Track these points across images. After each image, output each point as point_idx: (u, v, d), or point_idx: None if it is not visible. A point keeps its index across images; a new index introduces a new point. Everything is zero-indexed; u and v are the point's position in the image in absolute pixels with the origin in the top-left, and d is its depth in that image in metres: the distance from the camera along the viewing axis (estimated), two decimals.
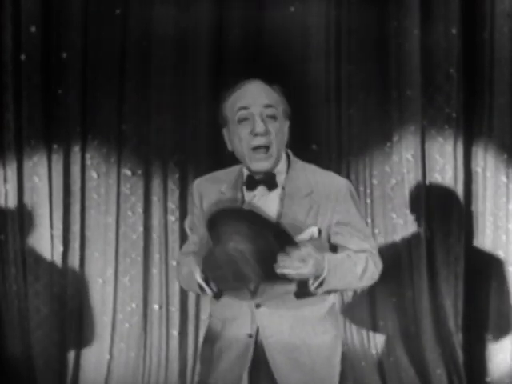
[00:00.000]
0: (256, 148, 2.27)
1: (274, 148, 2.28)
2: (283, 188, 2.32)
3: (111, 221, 4.00)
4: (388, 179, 4.06)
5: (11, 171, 3.94)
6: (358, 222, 2.35)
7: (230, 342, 2.32)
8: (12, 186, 3.96)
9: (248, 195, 2.34)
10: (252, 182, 2.33)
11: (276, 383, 2.30)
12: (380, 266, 2.34)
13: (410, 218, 4.06)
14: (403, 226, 4.06)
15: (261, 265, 2.13)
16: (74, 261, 4.01)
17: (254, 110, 2.27)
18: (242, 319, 2.31)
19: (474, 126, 4.05)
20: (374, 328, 4.07)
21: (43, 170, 3.98)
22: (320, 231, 2.30)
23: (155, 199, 4.02)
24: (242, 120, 2.28)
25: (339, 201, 2.31)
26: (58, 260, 4.01)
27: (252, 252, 2.13)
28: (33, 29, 3.92)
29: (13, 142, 3.94)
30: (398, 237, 4.07)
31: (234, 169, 2.42)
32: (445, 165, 4.05)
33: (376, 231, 4.05)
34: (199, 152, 3.99)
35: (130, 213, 4.02)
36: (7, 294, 3.97)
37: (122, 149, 4.00)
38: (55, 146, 4.00)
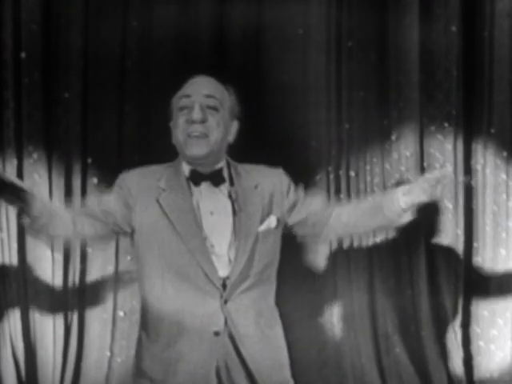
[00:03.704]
0: (191, 135, 2.26)
1: (213, 138, 2.28)
2: (232, 184, 2.33)
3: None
4: (388, 177, 4.06)
5: (11, 168, 3.93)
6: (299, 195, 2.46)
7: (191, 344, 2.28)
8: None
9: (193, 191, 2.32)
10: (196, 177, 2.31)
11: (250, 377, 2.32)
12: None
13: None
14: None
15: None
16: (75, 258, 4.00)
17: (195, 99, 2.28)
18: (207, 317, 2.28)
19: (473, 123, 4.05)
20: (374, 326, 4.07)
21: (43, 167, 3.98)
22: (278, 220, 2.35)
23: None
24: (182, 108, 2.30)
25: (285, 187, 2.40)
26: (59, 258, 4.01)
27: None
28: (33, 27, 3.92)
29: (13, 139, 3.94)
30: (397, 234, 4.07)
31: (168, 165, 2.40)
32: (445, 162, 4.05)
33: None
34: None
35: None
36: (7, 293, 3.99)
37: (123, 147, 4.00)
38: (55, 144, 4.00)
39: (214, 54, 3.96)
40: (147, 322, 2.38)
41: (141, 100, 3.97)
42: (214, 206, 2.31)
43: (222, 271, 2.30)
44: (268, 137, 3.88)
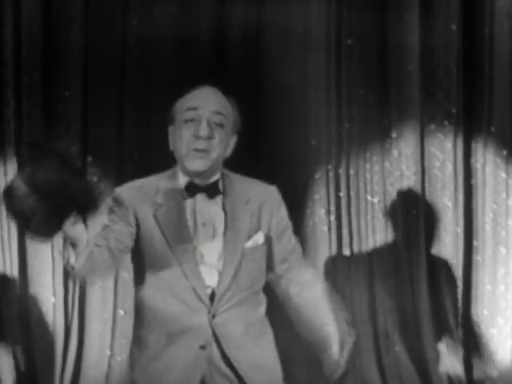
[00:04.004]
0: (196, 150, 2.25)
1: (215, 154, 2.26)
2: (225, 196, 2.33)
3: None
4: (388, 175, 4.06)
5: (12, 167, 3.94)
6: (289, 225, 2.45)
7: (177, 356, 2.30)
8: None
9: (188, 202, 2.32)
10: (192, 189, 2.31)
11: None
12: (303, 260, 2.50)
13: (410, 213, 4.07)
14: (403, 221, 4.07)
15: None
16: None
17: (202, 113, 2.25)
18: (194, 331, 2.29)
19: (473, 121, 4.05)
20: (374, 325, 4.07)
21: None
22: (266, 237, 2.37)
23: None
24: (188, 120, 2.26)
25: (275, 205, 2.39)
26: (59, 253, 4.02)
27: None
28: (33, 26, 3.93)
29: (13, 138, 3.94)
30: (397, 234, 4.08)
31: (163, 175, 2.38)
32: (444, 161, 4.06)
33: (376, 227, 4.07)
34: None
35: None
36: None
37: (122, 144, 4.00)
38: (56, 143, 4.00)
39: (214, 52, 3.97)
40: (139, 333, 2.40)
41: (141, 98, 3.98)
42: (207, 218, 2.31)
43: (210, 281, 2.32)
44: (268, 135, 3.88)
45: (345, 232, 4.02)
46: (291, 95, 3.95)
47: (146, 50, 3.96)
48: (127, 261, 2.35)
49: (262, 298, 2.45)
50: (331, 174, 4.03)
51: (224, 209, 2.32)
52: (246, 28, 3.96)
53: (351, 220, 4.04)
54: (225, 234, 2.31)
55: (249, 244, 2.33)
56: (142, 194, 2.33)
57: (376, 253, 4.05)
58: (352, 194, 4.05)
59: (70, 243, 2.13)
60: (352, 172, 4.05)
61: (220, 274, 2.31)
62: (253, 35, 3.97)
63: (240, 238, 2.31)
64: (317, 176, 3.98)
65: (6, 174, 3.96)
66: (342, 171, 4.04)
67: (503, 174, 4.04)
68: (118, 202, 2.30)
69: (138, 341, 2.39)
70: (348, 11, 3.99)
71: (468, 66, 4.04)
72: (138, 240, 2.32)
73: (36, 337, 3.99)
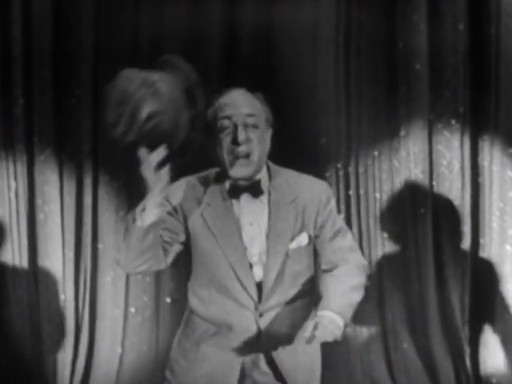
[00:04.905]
0: (237, 156, 2.30)
1: (256, 156, 2.31)
2: (269, 195, 2.36)
3: (123, 213, 4.00)
4: (396, 173, 4.08)
5: (21, 166, 3.95)
6: (338, 221, 2.45)
7: (220, 349, 2.38)
8: (22, 181, 3.97)
9: (234, 202, 2.37)
10: (236, 190, 2.36)
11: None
12: (363, 261, 2.46)
13: (418, 212, 4.09)
14: (411, 220, 4.09)
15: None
16: (86, 253, 4.02)
17: (236, 120, 2.30)
18: (241, 327, 2.36)
19: (480, 120, 4.07)
20: (383, 322, 4.09)
21: (54, 164, 3.99)
22: (310, 237, 2.40)
23: None
24: (224, 128, 2.31)
25: (322, 204, 2.40)
26: (70, 254, 4.03)
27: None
28: (44, 23, 3.92)
29: (23, 137, 3.95)
30: (405, 231, 4.10)
31: (211, 172, 2.43)
32: (452, 159, 4.08)
33: (385, 225, 4.08)
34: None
35: None
36: (17, 287, 3.98)
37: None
38: (66, 141, 4.01)
39: (224, 51, 3.98)
40: (190, 317, 2.47)
41: None
42: (253, 217, 2.36)
43: (258, 279, 2.38)
44: (278, 134, 3.88)
45: (354, 230, 4.03)
46: (301, 94, 3.97)
47: (157, 48, 3.95)
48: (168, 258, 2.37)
49: (312, 300, 2.48)
50: (341, 173, 4.06)
51: (269, 208, 2.36)
52: (256, 27, 3.97)
53: (360, 218, 4.07)
54: (268, 234, 2.35)
55: (292, 245, 2.37)
56: (192, 193, 2.39)
57: (384, 251, 4.08)
58: (361, 192, 4.07)
59: (142, 209, 2.16)
60: (361, 170, 4.07)
61: (264, 273, 2.36)
62: (263, 34, 3.97)
63: (283, 239, 2.35)
64: (327, 174, 4.00)
65: (16, 173, 3.97)
66: (351, 170, 4.06)
67: (510, 173, 4.06)
68: (168, 201, 2.35)
69: (187, 324, 2.47)
70: (357, 11, 4.00)
71: (475, 66, 4.05)
72: (186, 237, 2.39)
73: (46, 334, 3.99)
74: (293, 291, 2.39)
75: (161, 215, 2.21)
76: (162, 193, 2.17)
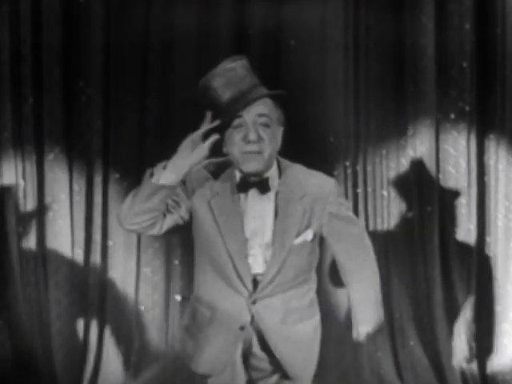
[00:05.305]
0: (248, 153, 2.33)
1: (267, 153, 2.34)
2: (277, 192, 2.40)
3: None
4: (404, 172, 4.11)
5: (30, 164, 3.96)
6: (346, 209, 2.51)
7: (219, 332, 2.45)
8: (31, 179, 3.98)
9: (242, 195, 2.41)
10: (245, 185, 2.40)
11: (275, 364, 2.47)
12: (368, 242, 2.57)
13: (425, 210, 4.11)
14: (418, 218, 4.11)
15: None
16: (96, 252, 4.03)
17: (248, 118, 2.32)
18: (236, 312, 2.43)
19: (486, 119, 4.10)
20: (390, 320, 4.10)
21: (64, 162, 4.00)
22: (315, 234, 2.44)
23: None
24: (236, 126, 2.34)
25: (328, 202, 2.44)
26: (80, 251, 4.04)
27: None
28: (53, 21, 3.93)
29: (32, 136, 3.95)
30: (412, 229, 4.12)
31: (224, 162, 2.47)
32: (458, 158, 4.11)
33: (392, 223, 4.12)
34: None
35: None
36: (26, 285, 3.99)
37: (145, 141, 4.02)
38: (77, 139, 4.02)
39: (235, 50, 3.96)
40: (194, 304, 2.55)
41: (162, 95, 4.00)
42: (257, 211, 2.41)
43: (257, 269, 2.42)
44: (287, 133, 3.89)
45: None
46: (310, 93, 3.99)
47: (168, 47, 3.98)
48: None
49: (310, 287, 2.53)
50: (349, 171, 4.08)
51: (276, 204, 2.40)
52: (265, 26, 3.99)
53: (368, 216, 4.09)
54: (274, 228, 2.39)
55: (297, 240, 2.41)
56: (202, 177, 2.43)
57: (392, 249, 4.10)
58: (369, 190, 4.10)
59: (163, 166, 2.25)
60: (369, 168, 4.10)
61: (267, 265, 2.41)
62: (272, 34, 4.00)
63: (290, 235, 2.39)
64: (335, 173, 4.02)
65: (24, 172, 3.98)
66: (359, 168, 4.09)
67: None
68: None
69: (192, 310, 2.54)
70: (365, 10, 4.03)
71: (481, 65, 4.08)
72: (190, 220, 2.43)
73: (55, 331, 4.01)
74: (289, 283, 2.44)
75: (177, 181, 2.28)
76: (194, 164, 2.27)
